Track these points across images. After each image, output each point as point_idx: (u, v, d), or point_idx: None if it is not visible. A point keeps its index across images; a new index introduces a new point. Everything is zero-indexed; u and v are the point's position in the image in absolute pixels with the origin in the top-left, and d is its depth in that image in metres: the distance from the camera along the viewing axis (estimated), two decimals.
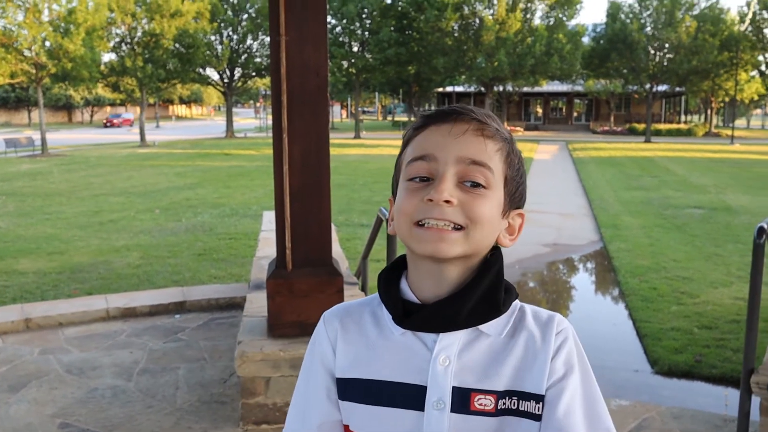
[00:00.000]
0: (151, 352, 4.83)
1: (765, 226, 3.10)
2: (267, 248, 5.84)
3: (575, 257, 9.61)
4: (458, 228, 0.90)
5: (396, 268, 1.01)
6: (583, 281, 8.70)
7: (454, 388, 0.92)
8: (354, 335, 1.00)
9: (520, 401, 0.92)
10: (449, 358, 0.93)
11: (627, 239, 9.89)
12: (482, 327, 0.94)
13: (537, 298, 7.54)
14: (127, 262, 8.23)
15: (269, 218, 7.03)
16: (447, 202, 0.89)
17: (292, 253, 3.54)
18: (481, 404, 0.92)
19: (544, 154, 29.30)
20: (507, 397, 0.92)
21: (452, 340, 0.94)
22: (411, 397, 0.93)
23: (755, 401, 3.17)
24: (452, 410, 0.92)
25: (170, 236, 9.92)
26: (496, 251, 0.98)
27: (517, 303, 0.99)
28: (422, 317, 0.93)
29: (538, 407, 0.92)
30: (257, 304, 4.13)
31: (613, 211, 12.60)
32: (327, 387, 1.00)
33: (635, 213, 12.41)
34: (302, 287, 3.56)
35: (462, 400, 0.92)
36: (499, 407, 0.92)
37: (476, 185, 0.91)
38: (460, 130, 0.93)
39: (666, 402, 4.32)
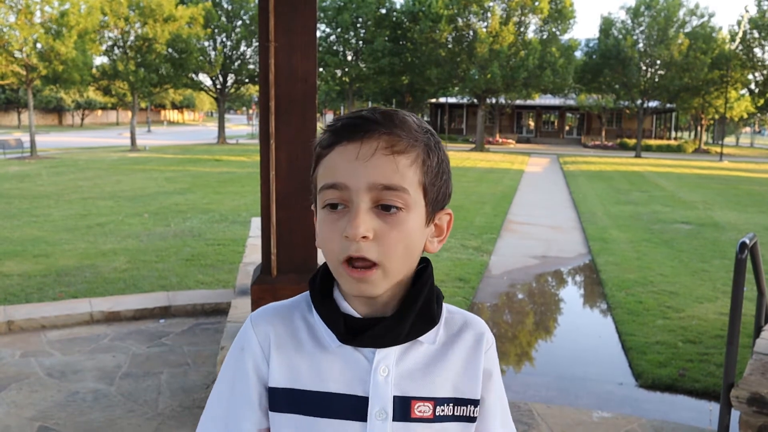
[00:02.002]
0: (134, 357, 4.80)
1: (747, 241, 3.13)
2: (254, 254, 5.83)
3: (563, 270, 9.63)
4: (375, 264, 0.89)
5: (327, 276, 0.99)
6: (570, 294, 8.72)
7: (395, 397, 0.94)
8: (287, 343, 0.97)
9: (456, 407, 0.96)
10: (388, 367, 0.94)
11: (615, 253, 9.93)
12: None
13: (525, 310, 7.55)
14: (113, 266, 8.18)
15: (258, 224, 7.01)
16: (364, 237, 0.88)
17: (277, 259, 3.54)
18: (420, 411, 0.94)
19: (535, 167, 29.42)
20: (445, 404, 0.96)
21: (389, 351, 0.95)
22: (353, 408, 0.93)
23: (735, 415, 3.19)
24: (394, 419, 0.93)
25: (158, 241, 9.87)
26: (424, 262, 0.99)
27: (444, 307, 1.01)
28: (367, 338, 0.93)
29: (475, 410, 0.98)
30: (242, 309, 4.12)
31: (601, 225, 12.65)
32: (259, 394, 0.97)
33: (624, 227, 12.47)
34: (286, 293, 3.52)
35: (403, 409, 0.94)
36: (437, 413, 0.95)
37: (389, 207, 0.90)
38: (368, 152, 0.88)
39: (649, 415, 4.33)
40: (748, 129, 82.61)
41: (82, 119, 74.14)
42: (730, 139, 71.71)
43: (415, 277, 0.97)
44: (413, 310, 0.94)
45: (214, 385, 1.03)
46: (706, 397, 4.84)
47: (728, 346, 3.16)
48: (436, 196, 0.95)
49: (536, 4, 40.78)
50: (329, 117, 72.05)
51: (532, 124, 59.89)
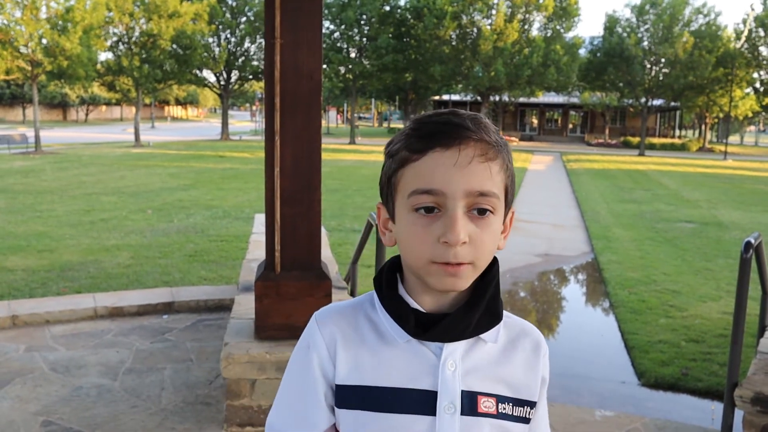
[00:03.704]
0: (138, 352, 4.81)
1: (752, 241, 3.12)
2: (257, 251, 5.83)
3: (566, 268, 9.63)
4: (469, 262, 0.93)
5: (392, 272, 1.01)
6: (573, 292, 8.72)
7: (462, 391, 0.96)
8: (353, 340, 0.99)
9: (515, 407, 1.00)
10: (455, 363, 0.97)
11: (618, 251, 9.92)
12: (482, 335, 1.00)
13: (528, 308, 7.55)
14: (117, 261, 8.20)
15: (261, 221, 7.02)
16: (462, 243, 0.91)
17: (281, 255, 3.54)
18: (486, 407, 0.97)
19: (539, 165, 29.39)
20: (506, 402, 0.99)
21: (456, 346, 0.98)
22: (421, 402, 0.95)
23: (738, 415, 3.19)
24: (462, 413, 0.96)
25: (162, 237, 9.89)
26: (492, 260, 1.01)
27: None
28: (439, 332, 0.96)
29: (531, 412, 1.02)
30: (245, 306, 4.12)
31: (604, 223, 12.64)
32: (325, 393, 1.00)
33: (627, 225, 12.45)
34: (290, 290, 3.56)
35: (470, 403, 0.97)
36: (499, 410, 0.98)
37: (484, 210, 0.93)
38: (465, 160, 0.91)
39: (651, 414, 4.33)
40: (752, 128, 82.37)
41: (87, 115, 74.23)
42: (734, 138, 71.52)
43: (482, 274, 1.00)
44: (481, 305, 0.98)
45: (281, 383, 1.06)
46: (709, 396, 4.83)
47: (732, 346, 3.16)
48: (512, 196, 1.00)
49: (541, 1, 40.72)
50: (332, 114, 72.01)
51: (535, 121, 59.79)
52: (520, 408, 1.00)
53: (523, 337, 1.04)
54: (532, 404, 1.02)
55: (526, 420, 1.01)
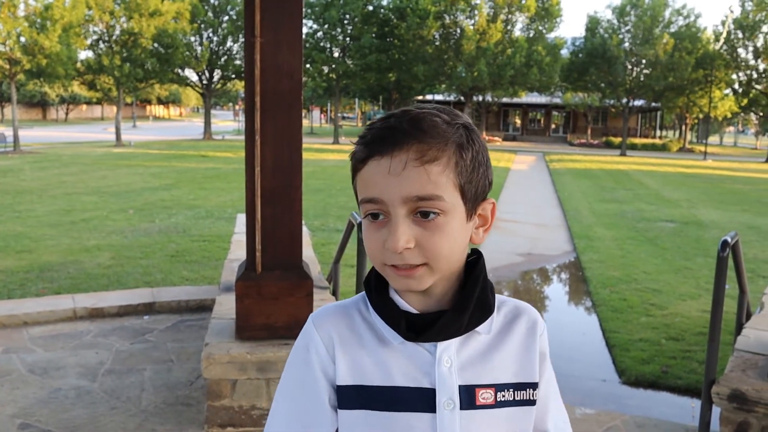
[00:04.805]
0: (118, 353, 4.77)
1: (729, 239, 3.16)
2: (239, 251, 5.80)
3: (548, 267, 9.68)
4: (421, 264, 0.93)
5: (380, 276, 1.01)
6: (555, 291, 8.77)
7: (460, 386, 0.97)
8: (350, 341, 1.00)
9: (517, 391, 1.00)
10: (450, 358, 0.98)
11: (599, 250, 9.99)
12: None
13: None
14: (97, 262, 8.12)
15: (243, 221, 6.98)
16: (406, 248, 0.91)
17: (262, 255, 3.53)
18: (483, 398, 0.98)
19: (522, 165, 29.52)
20: (506, 389, 0.99)
21: (450, 342, 0.98)
22: (421, 400, 0.96)
23: (716, 411, 3.22)
24: (461, 408, 0.97)
25: (143, 237, 9.81)
26: (475, 253, 1.02)
27: (496, 297, 1.05)
28: (431, 335, 0.97)
29: (534, 393, 1.02)
30: (226, 306, 4.10)
31: (586, 223, 12.72)
32: (329, 394, 0.99)
33: (608, 225, 12.55)
34: (271, 290, 3.54)
35: (469, 397, 0.97)
36: (498, 399, 0.99)
37: (428, 213, 0.92)
38: (399, 166, 0.90)
39: (631, 411, 4.36)
40: (731, 128, 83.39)
41: (67, 114, 73.43)
42: (714, 139, 72.32)
43: (467, 268, 1.01)
44: (471, 302, 0.98)
45: (279, 386, 1.04)
46: (688, 393, 4.88)
47: (709, 343, 3.19)
48: (475, 191, 0.96)
49: (523, 2, 40.91)
50: (316, 114, 71.86)
51: (518, 122, 60.06)
52: (522, 392, 1.01)
53: (518, 319, 1.04)
54: (534, 385, 1.02)
55: (530, 402, 1.01)
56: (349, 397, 0.98)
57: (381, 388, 0.97)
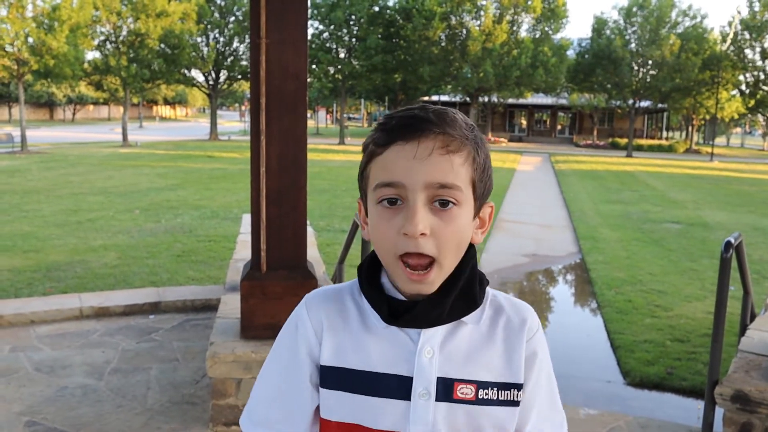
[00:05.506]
0: (124, 352, 4.79)
1: (732, 241, 3.16)
2: (245, 251, 5.82)
3: (553, 268, 9.68)
4: (431, 262, 0.94)
5: (373, 264, 1.03)
6: (560, 292, 8.76)
7: (438, 378, 0.97)
8: (339, 324, 1.02)
9: (501, 391, 0.99)
10: (433, 349, 0.98)
11: (605, 252, 9.98)
12: (463, 318, 1.00)
13: None
14: (104, 261, 8.16)
15: (249, 221, 7.01)
16: (422, 234, 0.92)
17: (267, 255, 3.55)
18: (462, 393, 0.98)
19: (527, 166, 29.49)
20: (488, 388, 0.99)
21: (434, 332, 0.99)
22: (397, 387, 0.98)
23: (719, 412, 3.22)
24: (437, 399, 0.97)
25: (149, 237, 9.85)
26: (468, 246, 1.03)
27: (489, 291, 1.05)
28: (409, 318, 0.97)
29: (519, 395, 1.01)
30: (231, 305, 4.12)
31: (592, 224, 12.70)
32: (311, 373, 1.02)
33: (614, 226, 12.53)
34: (276, 290, 3.56)
35: (446, 390, 0.97)
36: (479, 396, 0.98)
37: (446, 202, 0.94)
38: (425, 152, 0.93)
39: (636, 413, 4.36)
40: (738, 129, 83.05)
41: (74, 114, 73.70)
42: (720, 140, 72.03)
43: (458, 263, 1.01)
44: (454, 290, 0.98)
45: (267, 358, 1.08)
46: (693, 395, 4.87)
47: (713, 344, 3.19)
48: (483, 191, 1.00)
49: (529, 3, 40.85)
50: (321, 114, 71.90)
51: (524, 122, 59.98)
52: (505, 392, 1.00)
53: (509, 318, 1.03)
54: (518, 386, 1.01)
55: (514, 403, 1.00)
56: (330, 377, 1.00)
57: (360, 372, 0.98)
